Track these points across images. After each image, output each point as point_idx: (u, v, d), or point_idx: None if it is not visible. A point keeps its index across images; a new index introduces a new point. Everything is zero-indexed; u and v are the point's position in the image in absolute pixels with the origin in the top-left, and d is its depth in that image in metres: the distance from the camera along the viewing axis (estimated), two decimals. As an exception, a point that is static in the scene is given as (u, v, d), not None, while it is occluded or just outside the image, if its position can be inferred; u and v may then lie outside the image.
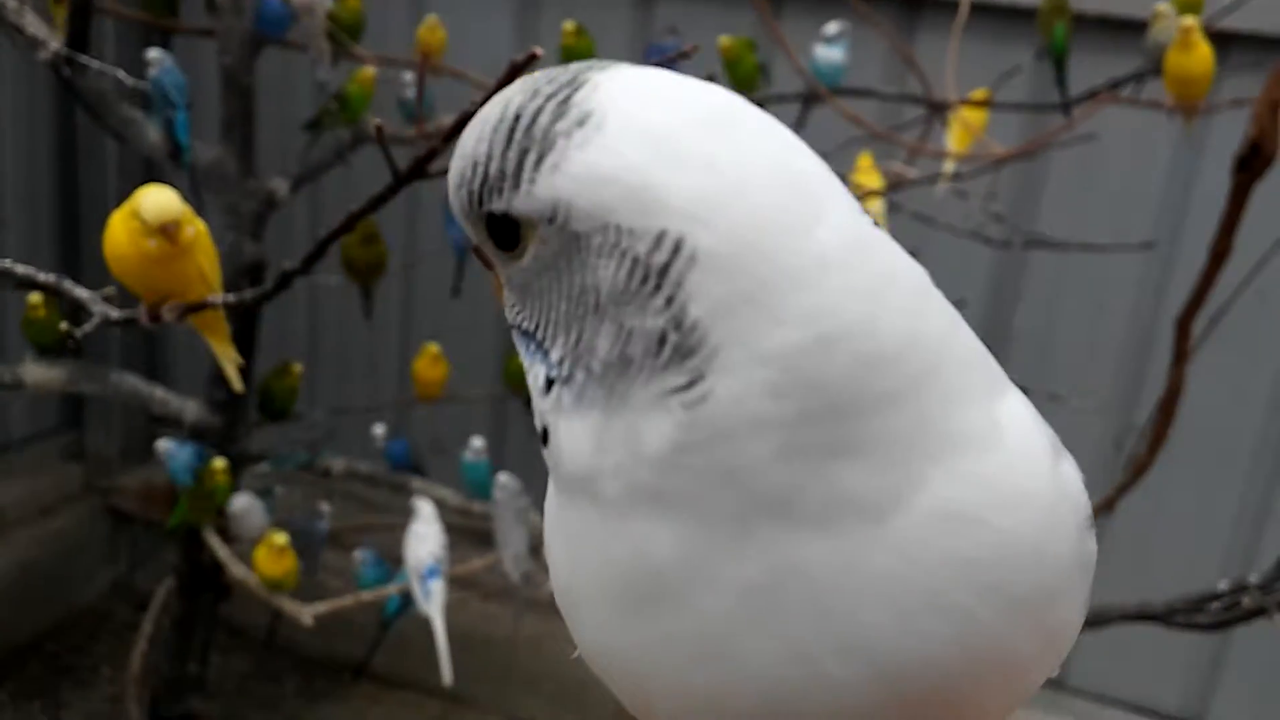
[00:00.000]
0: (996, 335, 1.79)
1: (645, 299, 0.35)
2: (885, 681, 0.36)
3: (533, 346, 0.38)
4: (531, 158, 0.36)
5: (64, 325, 0.77)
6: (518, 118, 0.37)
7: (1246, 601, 1.13)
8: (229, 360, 0.89)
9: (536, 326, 0.38)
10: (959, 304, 0.40)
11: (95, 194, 2.11)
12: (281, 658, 2.12)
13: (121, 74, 0.86)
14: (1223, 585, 1.18)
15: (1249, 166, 1.17)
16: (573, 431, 0.37)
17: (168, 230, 0.77)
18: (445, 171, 0.70)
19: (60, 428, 2.27)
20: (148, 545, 2.25)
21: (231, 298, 0.79)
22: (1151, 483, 1.38)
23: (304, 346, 2.23)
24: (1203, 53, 1.26)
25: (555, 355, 0.37)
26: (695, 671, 0.37)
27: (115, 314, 0.76)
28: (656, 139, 0.35)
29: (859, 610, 0.36)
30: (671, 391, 0.35)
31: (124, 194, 0.83)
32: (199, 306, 0.79)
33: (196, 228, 0.81)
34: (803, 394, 0.34)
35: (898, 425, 0.35)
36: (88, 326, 0.75)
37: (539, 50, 0.58)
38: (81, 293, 0.76)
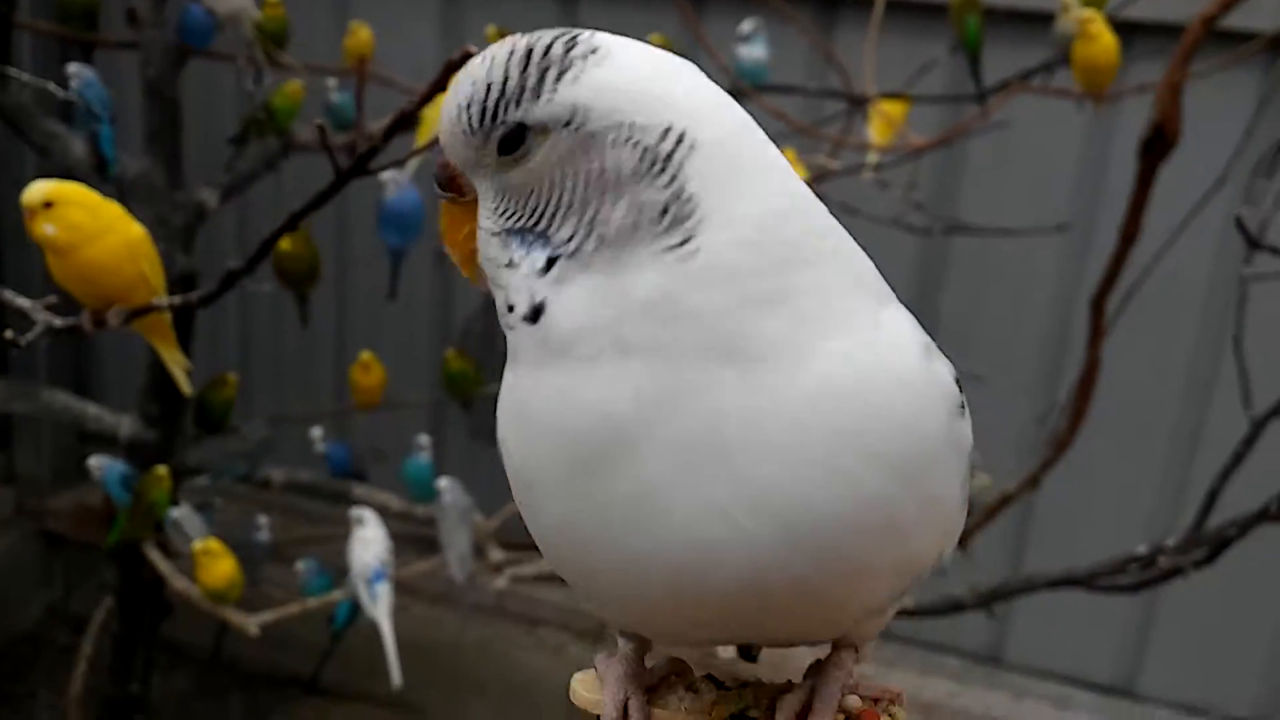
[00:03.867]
0: (922, 321, 1.84)
1: (652, 179, 0.46)
2: (789, 535, 0.45)
3: (530, 238, 0.48)
4: (552, 74, 0.46)
5: (9, 334, 0.76)
6: (530, 49, 0.47)
7: (1163, 562, 1.18)
8: (176, 365, 0.90)
9: (540, 216, 0.47)
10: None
11: (17, 209, 2.07)
12: (225, 675, 2.10)
13: (53, 86, 0.86)
14: (1141, 549, 1.23)
15: (1154, 149, 1.23)
16: (573, 295, 0.46)
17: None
18: (385, 168, 0.72)
19: (-13, 450, 2.23)
20: (83, 568, 2.21)
21: (177, 299, 0.79)
22: (1074, 458, 1.43)
23: (237, 356, 2.22)
24: (1107, 42, 1.31)
25: (565, 233, 0.47)
26: (633, 535, 0.46)
27: (59, 322, 0.76)
28: (657, 60, 0.47)
29: (766, 471, 0.45)
30: (668, 249, 0.46)
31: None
32: (144, 311, 0.79)
33: (133, 232, 0.81)
34: (764, 248, 0.46)
35: (814, 283, 0.47)
36: (31, 335, 0.75)
37: (473, 48, 0.60)
38: (24, 302, 0.76)
